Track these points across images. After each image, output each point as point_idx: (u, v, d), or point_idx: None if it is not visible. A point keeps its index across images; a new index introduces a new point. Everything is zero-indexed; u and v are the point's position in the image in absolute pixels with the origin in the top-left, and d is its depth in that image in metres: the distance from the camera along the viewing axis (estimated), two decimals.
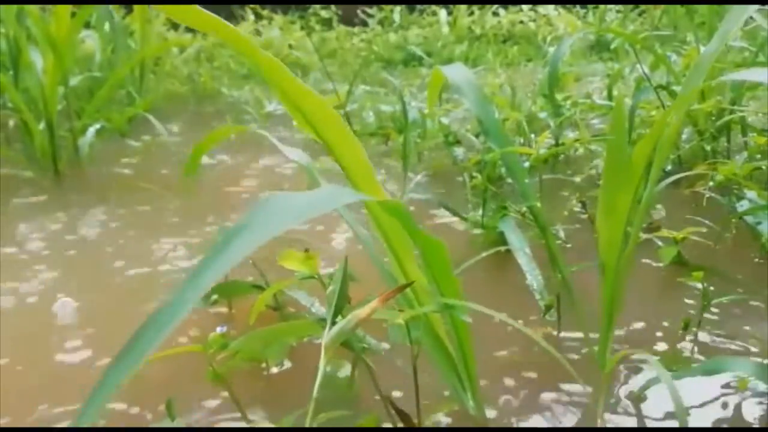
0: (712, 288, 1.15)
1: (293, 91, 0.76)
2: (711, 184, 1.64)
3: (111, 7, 3.18)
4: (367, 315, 0.65)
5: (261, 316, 0.98)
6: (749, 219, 1.45)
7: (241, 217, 0.53)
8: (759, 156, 1.58)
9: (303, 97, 0.77)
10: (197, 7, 0.68)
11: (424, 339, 0.81)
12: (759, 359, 1.03)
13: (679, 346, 1.08)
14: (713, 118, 1.84)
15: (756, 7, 0.85)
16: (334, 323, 0.68)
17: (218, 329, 0.80)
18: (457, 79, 1.20)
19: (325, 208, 0.57)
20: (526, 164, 1.68)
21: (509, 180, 1.90)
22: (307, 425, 0.63)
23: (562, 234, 1.50)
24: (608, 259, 0.95)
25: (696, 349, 1.07)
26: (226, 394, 0.97)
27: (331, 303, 0.71)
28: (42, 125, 2.34)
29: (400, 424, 0.80)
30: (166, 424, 0.78)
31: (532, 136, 1.94)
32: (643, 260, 1.38)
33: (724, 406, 0.91)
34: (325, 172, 1.06)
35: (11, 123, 2.70)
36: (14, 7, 2.41)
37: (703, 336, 1.10)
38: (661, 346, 1.08)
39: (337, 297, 0.71)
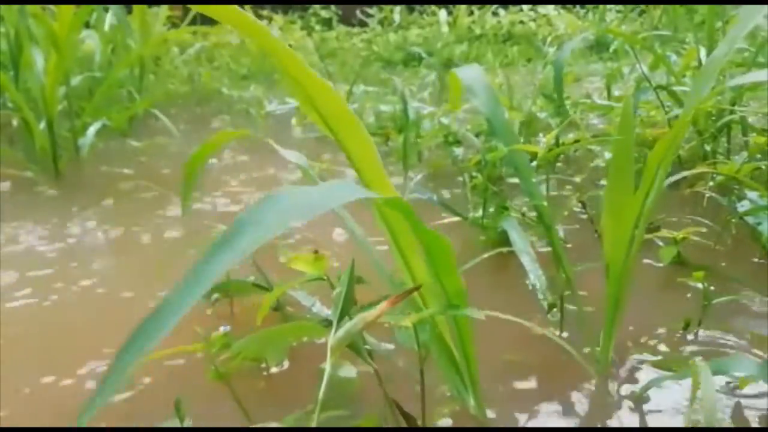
0: (712, 288, 1.16)
1: (310, 86, 0.77)
2: (711, 184, 1.64)
3: (118, 7, 3.18)
4: (374, 318, 0.65)
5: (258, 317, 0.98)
6: (749, 219, 1.45)
7: (245, 211, 0.51)
8: (759, 156, 1.58)
9: (319, 92, 0.77)
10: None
11: (429, 340, 0.81)
12: (760, 359, 1.03)
13: (679, 346, 1.09)
14: (713, 118, 1.84)
15: (766, 8, 0.85)
16: (340, 325, 0.67)
17: (221, 329, 0.80)
18: (470, 80, 1.20)
19: (332, 205, 0.55)
20: (533, 164, 1.68)
21: (509, 180, 1.90)
22: (313, 425, 0.63)
23: (561, 233, 1.50)
24: (613, 259, 0.95)
25: (697, 348, 1.07)
26: (221, 393, 0.98)
27: (337, 305, 0.71)
28: (42, 125, 2.34)
29: (404, 425, 0.80)
30: (172, 425, 0.77)
31: (540, 135, 1.94)
32: (644, 260, 1.38)
33: (725, 406, 0.91)
34: (325, 172, 1.06)
35: (12, 123, 2.70)
36: (15, 7, 2.41)
37: (704, 336, 1.10)
38: (662, 346, 1.08)
39: (343, 299, 0.71)
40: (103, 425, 0.91)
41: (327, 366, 0.61)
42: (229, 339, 0.79)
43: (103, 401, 0.43)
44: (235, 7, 0.70)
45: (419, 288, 0.72)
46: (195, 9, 0.74)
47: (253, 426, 0.85)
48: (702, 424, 0.74)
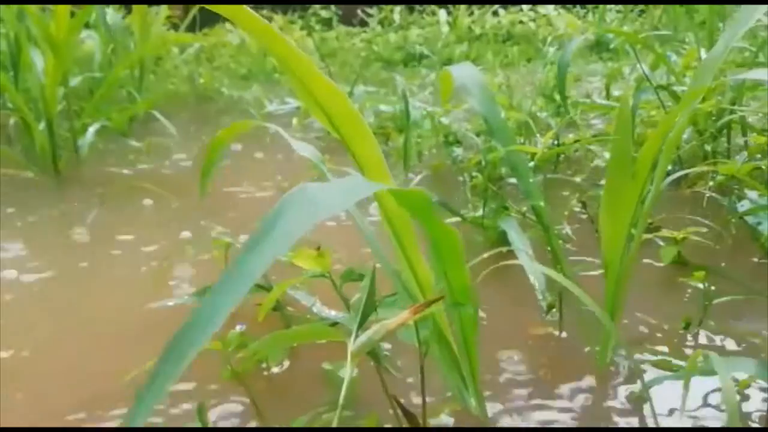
0: (712, 288, 1.15)
1: (315, 85, 0.78)
2: (711, 184, 1.64)
3: (109, 8, 3.17)
4: (396, 326, 0.65)
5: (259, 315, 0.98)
6: (749, 219, 1.45)
7: (272, 211, 0.49)
8: (759, 156, 1.58)
9: (324, 91, 0.78)
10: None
11: (430, 338, 0.81)
12: (760, 359, 1.03)
13: (680, 346, 1.08)
14: (713, 118, 1.84)
15: (765, 8, 0.85)
16: (358, 331, 0.67)
17: (237, 327, 0.80)
18: (464, 79, 1.20)
19: (355, 198, 0.55)
20: (531, 164, 1.68)
21: (509, 180, 1.90)
22: (335, 425, 0.63)
23: (568, 230, 1.50)
24: (611, 258, 0.95)
25: (697, 348, 1.07)
26: (226, 394, 0.98)
27: (357, 310, 0.70)
28: (42, 125, 2.34)
29: (406, 424, 0.80)
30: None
31: (538, 136, 1.94)
32: (644, 260, 1.38)
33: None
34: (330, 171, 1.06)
35: (11, 123, 2.70)
36: (14, 7, 2.40)
37: (704, 335, 1.10)
38: (662, 346, 1.08)
39: (364, 305, 0.71)
40: (102, 425, 0.91)
41: (347, 372, 0.61)
42: (245, 338, 0.79)
43: (147, 409, 0.40)
44: (245, 7, 0.71)
45: (442, 298, 0.71)
46: (209, 8, 0.75)
47: (263, 426, 0.85)
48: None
